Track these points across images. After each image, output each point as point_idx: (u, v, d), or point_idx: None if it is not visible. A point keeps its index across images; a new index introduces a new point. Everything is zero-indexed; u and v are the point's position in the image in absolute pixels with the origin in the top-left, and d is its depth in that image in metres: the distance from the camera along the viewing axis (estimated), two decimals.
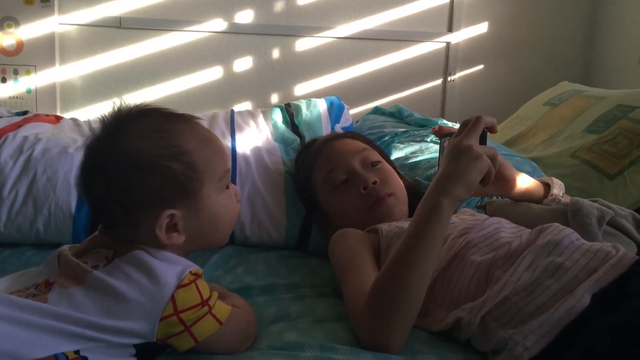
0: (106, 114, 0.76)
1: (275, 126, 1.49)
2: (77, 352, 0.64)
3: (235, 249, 1.20)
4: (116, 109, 0.76)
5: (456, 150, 0.85)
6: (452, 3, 2.74)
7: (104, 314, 0.65)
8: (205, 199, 0.76)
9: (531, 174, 1.21)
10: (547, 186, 1.07)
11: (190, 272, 0.71)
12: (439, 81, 2.82)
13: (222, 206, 0.79)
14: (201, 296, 0.70)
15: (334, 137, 1.28)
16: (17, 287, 0.71)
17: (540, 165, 1.47)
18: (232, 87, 2.67)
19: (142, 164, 0.71)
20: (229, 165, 0.82)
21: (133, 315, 0.66)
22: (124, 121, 0.75)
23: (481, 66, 2.85)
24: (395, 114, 1.75)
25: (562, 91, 2.03)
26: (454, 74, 2.80)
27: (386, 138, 1.56)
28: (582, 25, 2.86)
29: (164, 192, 0.72)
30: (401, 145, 1.50)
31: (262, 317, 0.87)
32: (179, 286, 0.68)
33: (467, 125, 0.88)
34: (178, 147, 0.74)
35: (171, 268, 0.70)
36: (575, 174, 1.49)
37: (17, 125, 1.37)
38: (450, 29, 2.77)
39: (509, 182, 1.02)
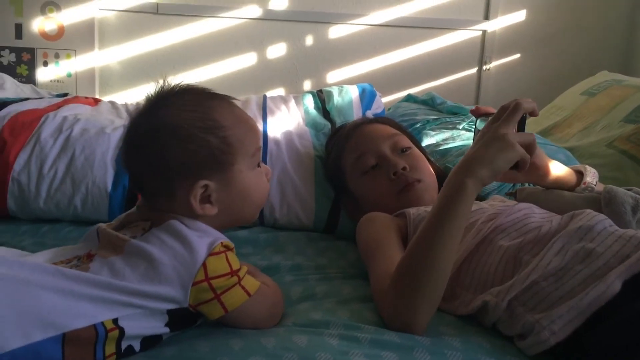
0: (150, 92, 0.81)
1: (306, 111, 1.50)
2: (115, 320, 0.67)
3: (264, 229, 1.22)
4: (159, 87, 0.81)
5: (489, 136, 0.84)
6: None
7: (142, 280, 0.69)
8: (237, 174, 0.79)
9: (565, 162, 1.18)
10: (580, 174, 1.05)
11: (222, 243, 0.74)
12: (474, 70, 2.78)
13: (252, 182, 0.82)
14: (230, 266, 0.73)
15: (364, 121, 1.28)
16: (59, 259, 0.75)
17: (575, 155, 1.44)
18: (265, 73, 2.69)
19: (179, 135, 0.75)
20: (261, 143, 0.85)
21: (168, 279, 0.69)
22: (165, 96, 0.80)
23: (518, 55, 2.80)
24: (428, 101, 1.74)
25: (600, 80, 1.98)
26: (490, 62, 2.76)
27: (417, 125, 1.55)
28: (623, 14, 2.78)
29: (199, 163, 0.76)
30: (432, 132, 1.49)
31: (288, 296, 0.89)
32: (210, 254, 0.72)
33: (505, 111, 0.86)
34: (214, 122, 0.77)
35: (203, 237, 0.73)
36: (611, 164, 1.46)
37: (57, 106, 1.42)
38: (486, 17, 2.72)
39: (541, 169, 1.00)
